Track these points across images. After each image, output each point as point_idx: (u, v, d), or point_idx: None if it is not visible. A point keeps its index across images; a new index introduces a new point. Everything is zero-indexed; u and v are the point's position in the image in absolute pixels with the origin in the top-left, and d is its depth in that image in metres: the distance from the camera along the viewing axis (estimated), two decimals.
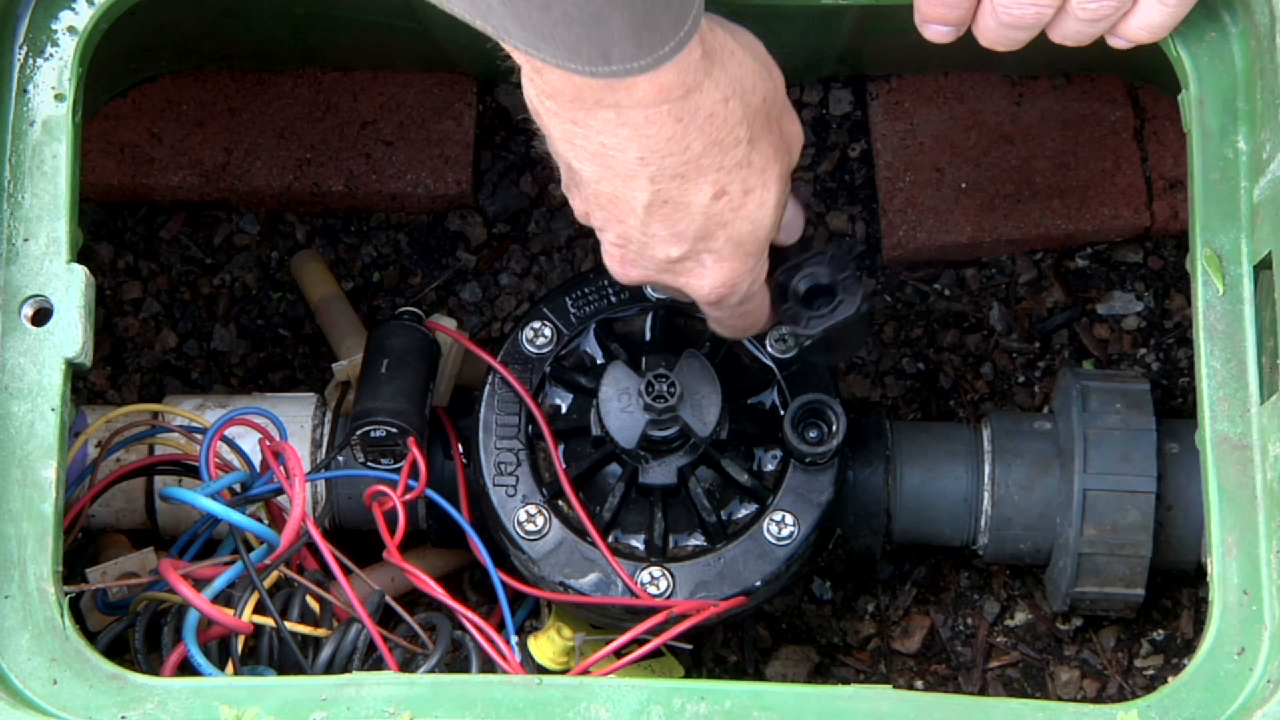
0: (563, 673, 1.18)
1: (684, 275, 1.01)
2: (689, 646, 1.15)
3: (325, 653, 1.09)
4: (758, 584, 1.14)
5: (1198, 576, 1.25)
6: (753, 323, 1.08)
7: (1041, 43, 1.04)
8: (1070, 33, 1.02)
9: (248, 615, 1.08)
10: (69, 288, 1.04)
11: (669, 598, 1.13)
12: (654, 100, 0.92)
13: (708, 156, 0.96)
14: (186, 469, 1.19)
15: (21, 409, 1.02)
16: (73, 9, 1.08)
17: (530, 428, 1.17)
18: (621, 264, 1.02)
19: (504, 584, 1.14)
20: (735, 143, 0.97)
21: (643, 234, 0.99)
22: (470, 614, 1.10)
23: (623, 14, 0.87)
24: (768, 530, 1.15)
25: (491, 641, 1.10)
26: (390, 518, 1.15)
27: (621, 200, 0.97)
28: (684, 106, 0.93)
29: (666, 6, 0.89)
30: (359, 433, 1.16)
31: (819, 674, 1.32)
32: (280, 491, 1.14)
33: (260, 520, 1.14)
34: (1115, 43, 1.04)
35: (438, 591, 1.11)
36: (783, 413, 1.15)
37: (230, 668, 1.08)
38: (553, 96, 0.93)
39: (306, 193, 1.42)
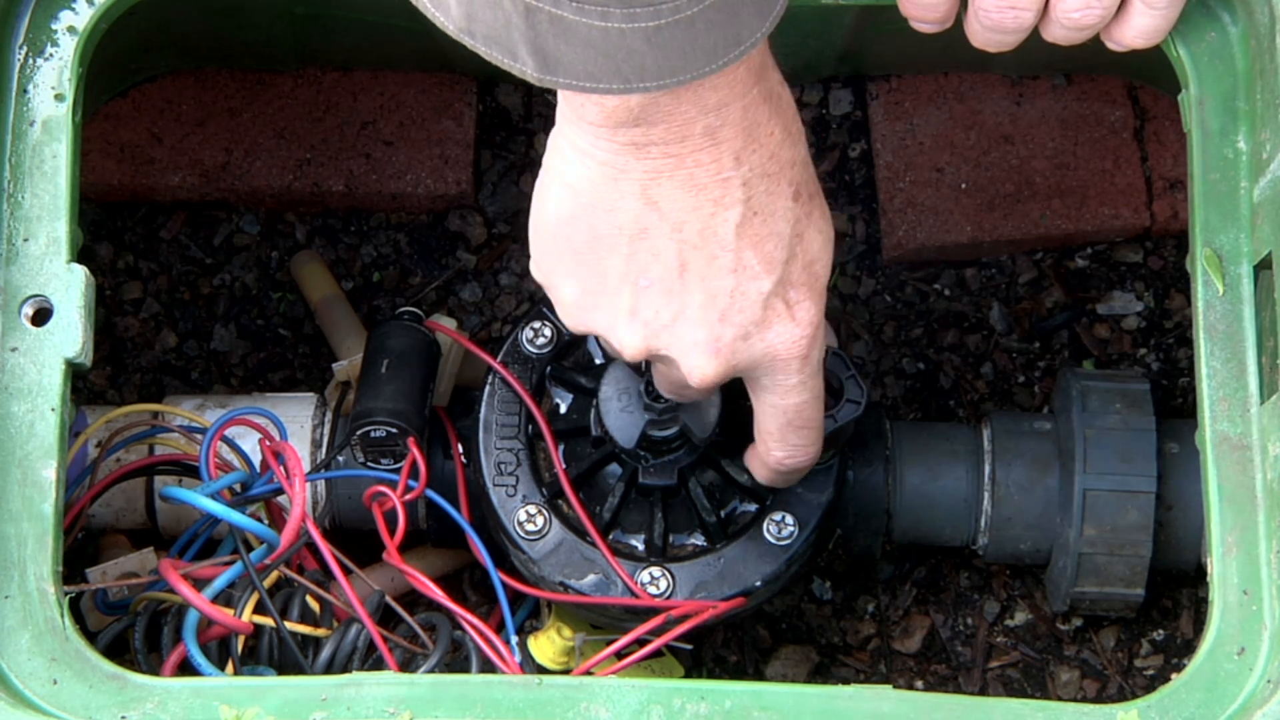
0: (563, 673, 1.18)
1: (772, 326, 0.98)
2: (689, 646, 1.15)
3: (325, 653, 1.09)
4: (758, 584, 1.14)
5: (1198, 576, 1.25)
6: (816, 419, 1.05)
7: (1040, 43, 1.05)
8: (1059, 37, 1.03)
9: (248, 615, 1.08)
10: (69, 288, 1.04)
11: (669, 598, 1.13)
12: (749, 82, 0.91)
13: (784, 147, 0.95)
14: (186, 469, 1.19)
15: (21, 409, 1.02)
16: (73, 9, 1.08)
17: (530, 428, 1.17)
18: (713, 351, 0.98)
19: (504, 584, 1.14)
20: (799, 133, 0.96)
21: (735, 272, 0.95)
22: (469, 616, 1.10)
23: None
24: (768, 530, 1.15)
25: (491, 644, 1.10)
26: (390, 518, 1.15)
27: (710, 237, 0.94)
28: (766, 85, 0.92)
29: None
30: (359, 433, 1.16)
31: (819, 674, 1.32)
32: (280, 491, 1.14)
33: (260, 520, 1.14)
34: (1112, 47, 1.05)
35: (437, 594, 1.11)
36: None
37: (230, 668, 1.08)
38: (643, 146, 0.92)
39: (306, 193, 1.42)
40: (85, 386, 1.38)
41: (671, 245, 0.95)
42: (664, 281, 0.96)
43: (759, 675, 1.32)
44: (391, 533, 1.14)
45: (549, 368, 1.18)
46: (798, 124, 0.96)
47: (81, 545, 1.25)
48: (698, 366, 0.98)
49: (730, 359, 0.98)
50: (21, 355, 1.03)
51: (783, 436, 1.05)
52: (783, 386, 1.01)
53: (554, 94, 0.95)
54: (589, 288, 0.98)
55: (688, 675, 1.26)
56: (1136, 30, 1.03)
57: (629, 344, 0.98)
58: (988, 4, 1.02)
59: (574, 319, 1.00)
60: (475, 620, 1.10)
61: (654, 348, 0.98)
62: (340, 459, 1.20)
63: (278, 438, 1.17)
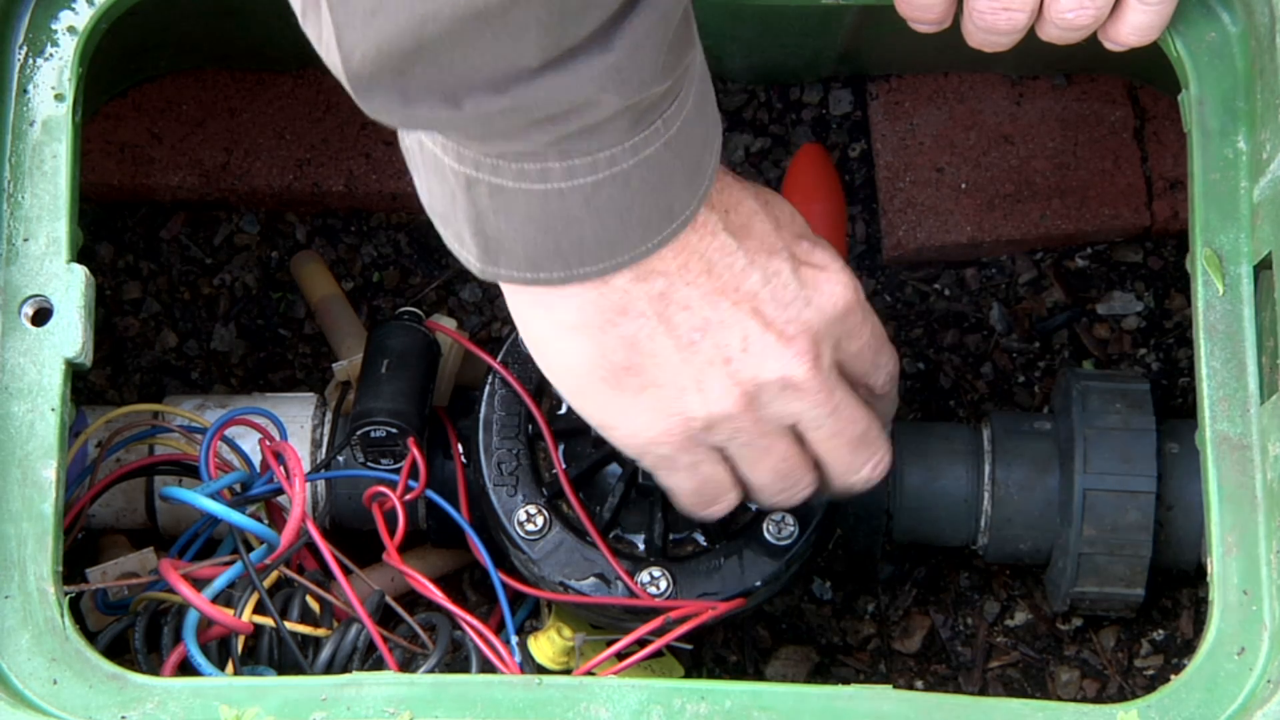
0: (563, 673, 1.18)
1: (819, 284, 0.97)
2: (689, 647, 1.15)
3: (325, 653, 1.09)
4: (758, 584, 1.14)
5: (1198, 576, 1.25)
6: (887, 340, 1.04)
7: (1040, 43, 1.05)
8: (1054, 36, 1.04)
9: (248, 615, 1.08)
10: (69, 288, 1.04)
11: (669, 598, 1.13)
12: None
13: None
14: (186, 469, 1.19)
15: (21, 409, 1.03)
16: (73, 9, 1.08)
17: (530, 427, 1.17)
18: (792, 336, 0.95)
19: (504, 584, 1.14)
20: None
21: (752, 264, 0.94)
22: (469, 617, 1.10)
23: (683, 161, 0.88)
24: (768, 530, 1.14)
25: (490, 644, 1.10)
26: (390, 518, 1.15)
27: (712, 255, 0.93)
28: None
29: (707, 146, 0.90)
30: (359, 433, 1.16)
31: (819, 674, 1.32)
32: (280, 491, 1.14)
33: (260, 520, 1.14)
34: (1109, 46, 1.05)
35: (436, 595, 1.11)
36: None
37: (230, 668, 1.08)
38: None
39: (306, 193, 1.42)
40: (85, 386, 1.38)
41: (690, 289, 0.93)
42: (709, 319, 0.94)
43: (759, 675, 1.32)
44: (391, 533, 1.14)
45: None
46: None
47: (81, 545, 1.25)
48: (792, 366, 0.96)
49: (810, 333, 0.96)
50: (21, 355, 1.03)
51: (876, 361, 1.03)
52: (856, 327, 1.00)
53: None
54: (660, 385, 0.96)
55: (688, 675, 1.26)
56: (1132, 28, 1.03)
57: (725, 398, 0.95)
58: (981, 5, 1.02)
59: (666, 427, 0.97)
60: (475, 621, 1.10)
61: (745, 384, 0.95)
62: (340, 459, 1.20)
63: (278, 438, 1.17)
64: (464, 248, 0.89)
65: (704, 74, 0.90)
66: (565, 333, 0.94)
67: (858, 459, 1.03)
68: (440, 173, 0.87)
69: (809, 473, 1.03)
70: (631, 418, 0.97)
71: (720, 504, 1.04)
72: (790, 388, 0.97)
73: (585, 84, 0.81)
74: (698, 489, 1.02)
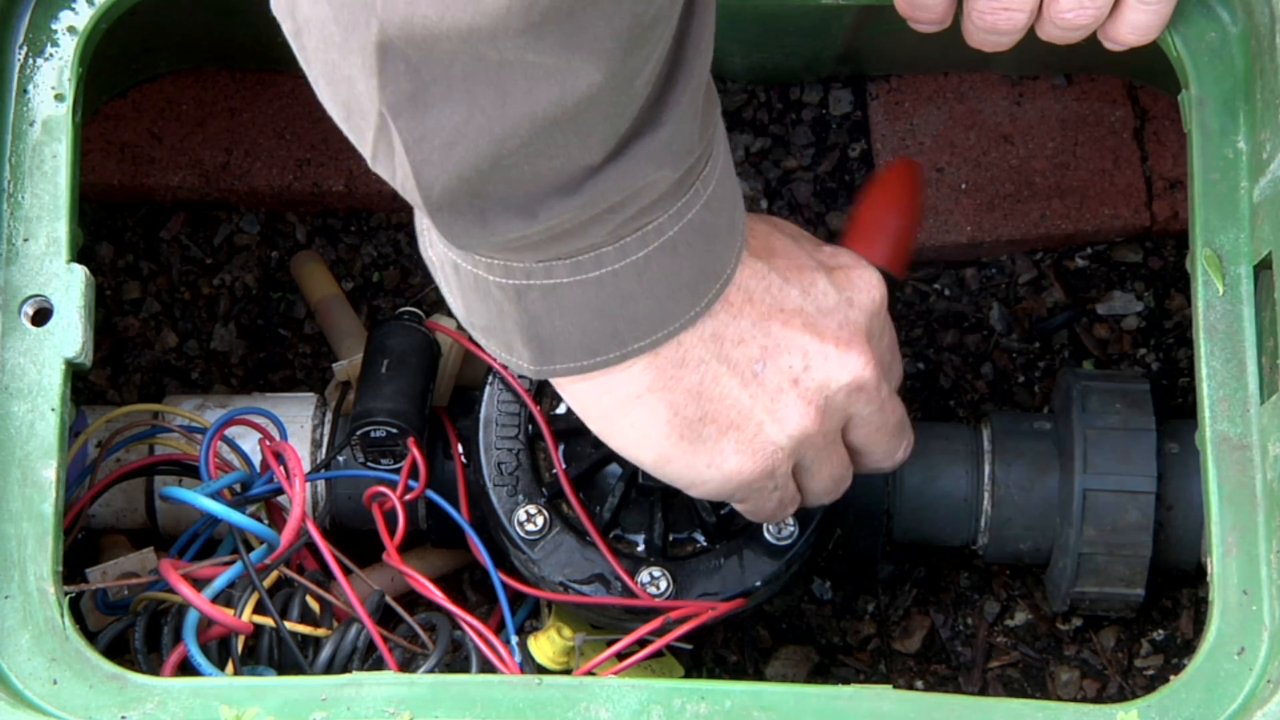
0: (563, 673, 1.18)
1: (852, 281, 0.97)
2: (689, 646, 1.15)
3: (325, 653, 1.09)
4: (758, 584, 1.14)
5: (1198, 576, 1.25)
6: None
7: (1040, 43, 1.05)
8: (1054, 36, 1.04)
9: (248, 615, 1.08)
10: (69, 288, 1.04)
11: (669, 598, 1.13)
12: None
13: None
14: (186, 469, 1.19)
15: (21, 409, 1.03)
16: (73, 9, 1.08)
17: (530, 427, 1.17)
18: (850, 339, 0.95)
19: (504, 584, 1.14)
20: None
21: (788, 281, 0.95)
22: (469, 617, 1.10)
23: (725, 218, 0.89)
24: (767, 530, 1.15)
25: (490, 645, 1.10)
26: (390, 518, 1.15)
27: (754, 284, 0.94)
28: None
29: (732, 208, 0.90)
30: (359, 433, 1.16)
31: (819, 674, 1.32)
32: (280, 491, 1.14)
33: (260, 520, 1.14)
34: (1109, 46, 1.05)
35: (436, 595, 1.11)
36: None
37: (230, 668, 1.08)
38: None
39: (306, 193, 1.42)
40: (85, 386, 1.38)
41: (739, 320, 0.93)
42: (765, 347, 0.94)
43: (759, 675, 1.32)
44: (391, 533, 1.14)
45: None
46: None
47: (81, 545, 1.25)
48: (857, 368, 0.96)
49: (861, 333, 0.97)
50: (21, 355, 1.03)
51: (894, 364, 1.03)
52: (885, 323, 1.00)
53: None
54: (739, 426, 0.96)
55: (688, 675, 1.26)
56: (1131, 27, 1.03)
57: (802, 418, 0.96)
58: (981, 5, 1.02)
59: (755, 465, 0.97)
60: (475, 621, 1.10)
61: (815, 399, 0.96)
62: (340, 459, 1.20)
63: (278, 438, 1.17)
64: (514, 354, 0.89)
65: (723, 132, 0.90)
66: (630, 404, 0.94)
67: (896, 444, 1.05)
68: (483, 291, 0.87)
69: (851, 466, 1.04)
70: (718, 467, 0.97)
71: (789, 512, 1.06)
72: (857, 390, 0.97)
73: (643, 166, 0.81)
74: (778, 507, 1.04)
